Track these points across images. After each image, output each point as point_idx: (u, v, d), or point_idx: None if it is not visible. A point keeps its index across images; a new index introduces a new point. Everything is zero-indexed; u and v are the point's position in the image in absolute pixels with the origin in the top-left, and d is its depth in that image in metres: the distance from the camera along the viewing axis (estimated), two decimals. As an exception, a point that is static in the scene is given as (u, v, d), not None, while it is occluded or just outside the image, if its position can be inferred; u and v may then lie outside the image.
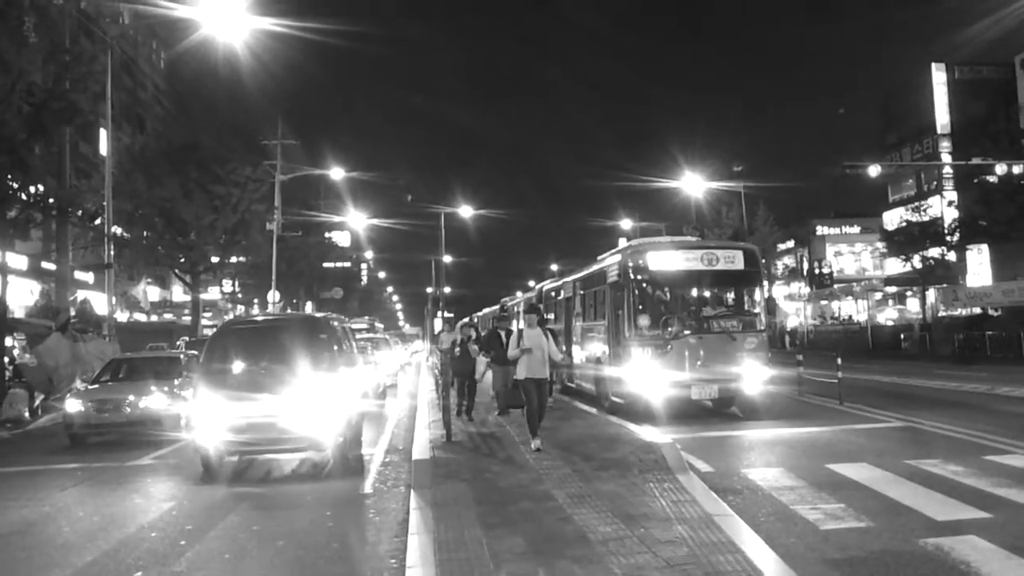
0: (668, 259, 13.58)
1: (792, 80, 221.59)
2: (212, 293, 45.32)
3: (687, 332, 12.95)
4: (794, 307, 53.76)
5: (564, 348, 16.95)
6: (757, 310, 13.84)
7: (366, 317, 52.70)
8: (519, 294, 34.76)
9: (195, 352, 15.48)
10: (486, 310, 42.63)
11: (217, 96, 45.73)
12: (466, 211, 45.33)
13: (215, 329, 13.58)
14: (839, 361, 14.69)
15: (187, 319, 34.45)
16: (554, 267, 59.63)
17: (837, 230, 57.44)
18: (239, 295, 46.64)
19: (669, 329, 12.94)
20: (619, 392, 13.30)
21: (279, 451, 9.80)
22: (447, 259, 54.02)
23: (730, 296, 14.25)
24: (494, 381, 12.92)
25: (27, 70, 16.64)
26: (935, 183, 45.83)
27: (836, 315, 51.07)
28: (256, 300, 43.67)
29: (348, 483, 8.98)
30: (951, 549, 5.60)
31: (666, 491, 7.17)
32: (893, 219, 44.85)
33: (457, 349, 12.89)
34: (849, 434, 11.01)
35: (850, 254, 56.75)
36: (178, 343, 28.06)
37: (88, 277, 33.30)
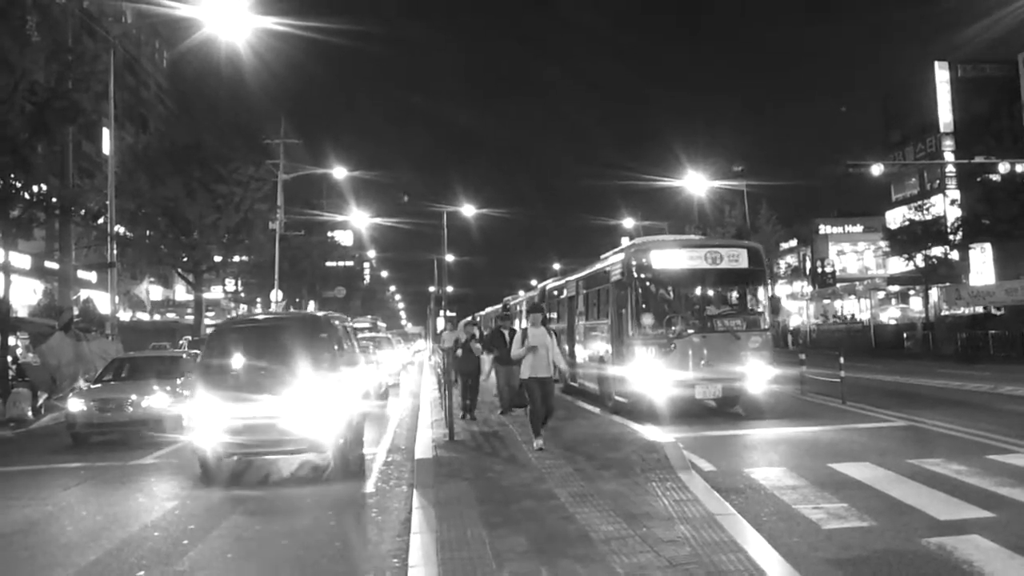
0: (672, 257, 13.52)
1: (792, 80, 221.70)
2: (215, 292, 45.36)
3: (691, 331, 12.89)
4: (797, 306, 53.64)
5: (566, 347, 16.99)
6: (761, 309, 13.79)
7: (368, 316, 52.80)
8: (521, 293, 34.72)
9: (197, 351, 15.49)
10: (488, 309, 42.61)
11: (220, 95, 45.89)
12: (468, 210, 45.38)
13: (214, 328, 13.55)
14: (842, 360, 14.68)
15: (190, 318, 34.55)
16: (556, 266, 59.50)
17: (840, 229, 57.39)
18: (242, 294, 46.70)
19: (673, 328, 12.87)
20: (622, 391, 13.26)
21: (278, 453, 9.71)
22: (449, 258, 54.00)
23: (734, 295, 14.18)
24: (497, 380, 12.91)
25: (30, 69, 16.70)
26: (938, 182, 45.79)
27: (839, 314, 50.95)
28: (259, 299, 43.68)
29: (350, 483, 8.98)
30: (954, 548, 5.58)
31: (668, 490, 7.16)
32: (896, 218, 44.76)
33: (459, 349, 12.87)
34: (852, 433, 10.99)
35: (853, 253, 56.70)
36: (181, 342, 28.06)
37: (91, 276, 33.40)
